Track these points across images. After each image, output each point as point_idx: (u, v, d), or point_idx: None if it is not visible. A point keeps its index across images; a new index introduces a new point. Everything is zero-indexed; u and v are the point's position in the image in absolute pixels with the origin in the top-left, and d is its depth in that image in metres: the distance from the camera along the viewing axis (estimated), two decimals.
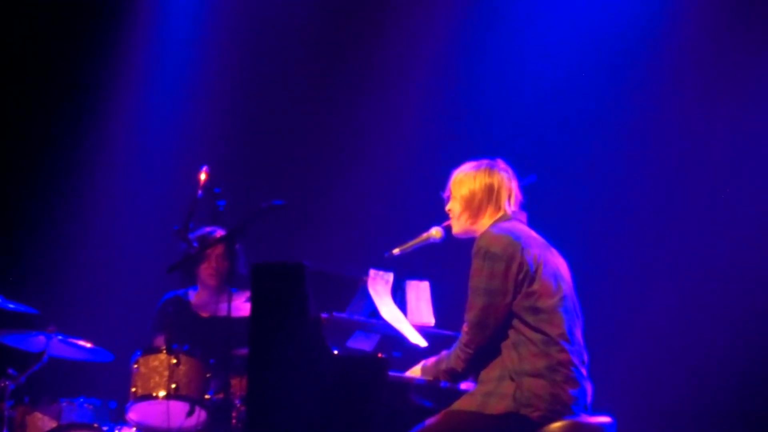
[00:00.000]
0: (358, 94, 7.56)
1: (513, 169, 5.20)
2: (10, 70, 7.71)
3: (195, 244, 6.33)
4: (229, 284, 5.93)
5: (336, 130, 7.56)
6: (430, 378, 5.08)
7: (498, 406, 4.77)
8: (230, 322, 5.91)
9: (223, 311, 5.89)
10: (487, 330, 4.83)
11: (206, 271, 6.63)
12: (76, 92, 7.74)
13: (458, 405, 4.88)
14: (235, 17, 7.86)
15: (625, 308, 6.73)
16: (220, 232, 6.46)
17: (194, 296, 6.70)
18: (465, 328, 4.87)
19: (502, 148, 6.60)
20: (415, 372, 5.12)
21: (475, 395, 4.86)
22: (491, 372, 4.85)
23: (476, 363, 4.93)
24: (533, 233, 5.04)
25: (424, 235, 5.32)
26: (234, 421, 6.02)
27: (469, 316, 4.86)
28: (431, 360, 5.09)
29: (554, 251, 5.06)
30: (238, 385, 6.10)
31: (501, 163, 5.20)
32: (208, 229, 6.50)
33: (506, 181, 5.12)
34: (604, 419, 4.91)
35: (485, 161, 5.18)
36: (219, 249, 6.52)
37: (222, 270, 6.56)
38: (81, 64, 7.73)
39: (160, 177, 7.56)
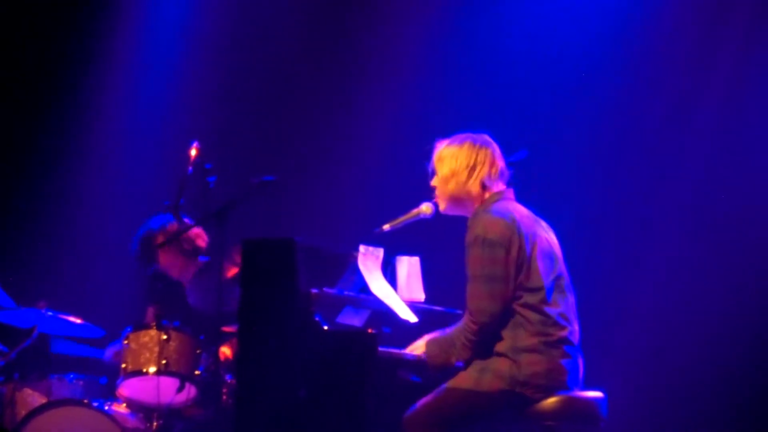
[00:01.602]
0: (349, 70, 7.56)
1: (498, 144, 5.12)
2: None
3: (185, 220, 6.30)
4: (222, 258, 5.89)
5: (327, 106, 7.56)
6: (438, 364, 5.04)
7: (493, 383, 4.80)
8: (220, 299, 5.81)
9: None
10: (494, 317, 4.82)
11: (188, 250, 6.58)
12: (64, 70, 7.73)
13: (453, 383, 4.90)
14: None
15: (618, 286, 6.74)
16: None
17: (172, 269, 6.65)
18: (470, 319, 4.84)
19: (493, 123, 6.65)
20: (418, 348, 5.13)
21: (469, 372, 4.89)
22: (488, 349, 4.86)
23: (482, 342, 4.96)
24: (524, 210, 5.03)
25: (414, 211, 5.32)
26: (224, 396, 6.03)
27: (474, 305, 4.83)
28: (434, 342, 5.07)
29: (544, 225, 5.10)
30: (227, 360, 6.16)
31: (485, 138, 5.16)
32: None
33: (490, 157, 5.07)
34: (597, 394, 4.97)
35: (468, 136, 5.14)
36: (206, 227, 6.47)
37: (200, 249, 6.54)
38: (69, 41, 7.72)
39: (151, 152, 7.55)
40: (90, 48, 7.81)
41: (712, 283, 6.71)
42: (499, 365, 4.81)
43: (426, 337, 5.14)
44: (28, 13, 7.76)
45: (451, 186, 5.05)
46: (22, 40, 7.75)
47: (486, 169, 5.04)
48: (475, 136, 5.14)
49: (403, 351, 5.15)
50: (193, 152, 6.25)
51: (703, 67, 6.94)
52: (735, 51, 6.91)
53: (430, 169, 5.18)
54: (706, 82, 6.93)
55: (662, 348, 6.64)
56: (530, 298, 4.85)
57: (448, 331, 5.03)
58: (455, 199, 5.06)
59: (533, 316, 4.84)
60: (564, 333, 4.87)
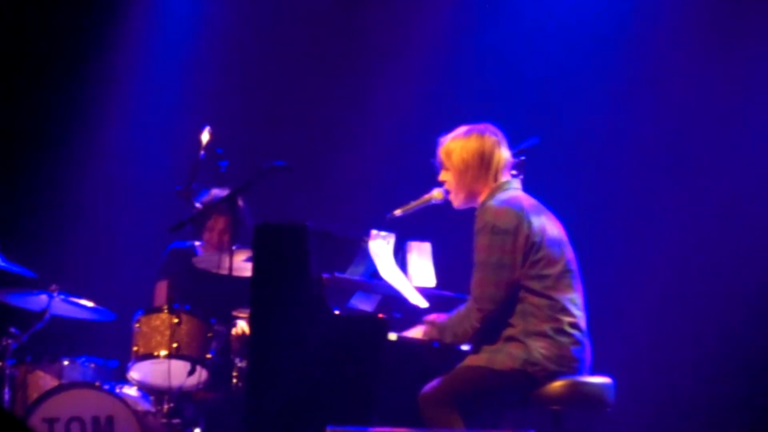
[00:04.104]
0: (361, 58, 7.53)
1: (503, 134, 5.15)
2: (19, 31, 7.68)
3: (198, 204, 6.34)
4: (231, 243, 6.00)
5: (340, 93, 7.52)
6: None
7: (505, 363, 4.87)
8: (232, 281, 5.91)
9: (225, 270, 5.90)
10: (498, 304, 4.89)
11: (209, 233, 6.63)
12: (77, 52, 7.70)
13: (468, 362, 4.98)
14: None
15: (627, 274, 6.74)
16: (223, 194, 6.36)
17: (199, 250, 6.70)
18: (475, 305, 4.91)
19: (501, 114, 6.60)
20: (417, 332, 5.16)
21: (482, 353, 4.96)
22: (499, 333, 4.94)
23: (484, 328, 4.99)
24: (531, 200, 5.07)
25: (426, 197, 5.32)
26: (235, 380, 6.09)
27: (479, 291, 4.90)
28: (435, 321, 5.12)
29: (550, 215, 5.10)
30: (239, 343, 6.19)
31: (490, 127, 5.17)
32: (214, 191, 6.46)
33: (497, 147, 5.09)
34: (604, 380, 5.03)
35: (474, 128, 5.15)
36: (221, 210, 6.49)
37: (224, 231, 6.55)
38: (86, 24, 7.72)
39: (163, 136, 7.54)
40: (107, 32, 7.79)
41: (721, 271, 6.69)
42: (512, 348, 4.88)
43: (426, 321, 5.15)
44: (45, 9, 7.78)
45: (466, 179, 5.09)
46: (42, 21, 7.71)
47: (497, 156, 5.07)
48: (479, 126, 5.16)
49: (414, 336, 5.16)
50: (205, 137, 6.27)
51: (714, 59, 6.90)
52: (742, 45, 6.87)
53: (437, 165, 5.16)
54: (715, 74, 6.89)
55: (671, 336, 6.63)
56: (539, 285, 4.91)
57: (449, 315, 5.09)
58: (470, 191, 5.10)
59: (543, 303, 4.90)
60: (573, 319, 4.93)
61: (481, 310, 4.88)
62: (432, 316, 5.19)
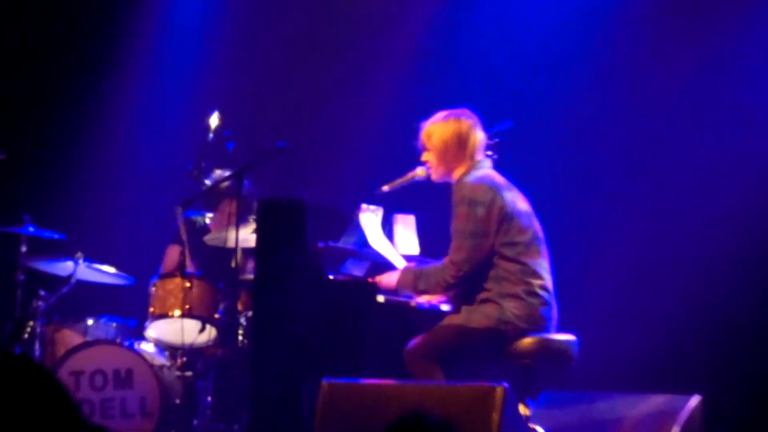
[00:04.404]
0: (351, 48, 7.38)
1: (479, 117, 5.22)
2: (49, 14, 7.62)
3: (207, 181, 6.37)
4: (238, 218, 5.94)
5: (332, 81, 7.40)
6: (406, 287, 5.11)
7: (481, 321, 4.96)
8: (238, 251, 5.92)
9: (232, 241, 5.92)
10: (473, 266, 4.98)
11: (219, 214, 6.55)
12: (101, 35, 7.62)
13: (447, 320, 5.07)
14: None
15: (589, 240, 6.67)
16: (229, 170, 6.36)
17: (210, 223, 6.66)
18: (452, 266, 4.98)
19: (482, 93, 6.64)
20: (390, 278, 5.18)
21: (460, 312, 5.06)
22: (475, 296, 5.03)
23: (462, 291, 5.09)
24: (501, 177, 5.16)
25: (410, 174, 5.36)
26: (240, 337, 6.17)
27: (457, 256, 4.98)
28: (407, 272, 5.14)
29: (518, 191, 5.19)
30: (244, 305, 6.20)
31: (466, 112, 5.22)
32: (219, 171, 6.42)
33: (472, 129, 5.15)
34: (569, 337, 5.12)
35: (451, 113, 5.21)
36: (229, 192, 6.37)
37: (231, 206, 6.32)
38: (106, 15, 7.65)
39: (178, 118, 7.47)
40: (124, 18, 7.68)
41: (676, 229, 6.64)
42: (487, 308, 4.99)
43: (400, 271, 5.18)
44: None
45: (447, 157, 5.14)
46: (70, 9, 7.65)
47: (473, 137, 5.15)
48: (456, 111, 5.22)
49: (390, 284, 5.18)
50: (214, 121, 6.36)
51: (698, 46, 6.72)
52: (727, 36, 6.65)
53: (419, 146, 5.23)
54: (700, 64, 6.68)
55: (632, 296, 6.57)
56: (512, 252, 5.01)
57: (425, 267, 5.14)
58: (448, 168, 5.16)
59: (515, 268, 5.00)
60: (542, 282, 5.03)
61: (459, 270, 4.98)
62: (409, 264, 5.25)
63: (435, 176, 5.23)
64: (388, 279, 5.18)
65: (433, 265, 5.12)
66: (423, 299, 5.25)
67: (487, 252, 4.99)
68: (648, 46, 6.85)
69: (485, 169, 5.15)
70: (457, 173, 5.14)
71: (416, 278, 5.10)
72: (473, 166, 5.13)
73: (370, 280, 5.32)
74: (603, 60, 6.90)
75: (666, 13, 6.82)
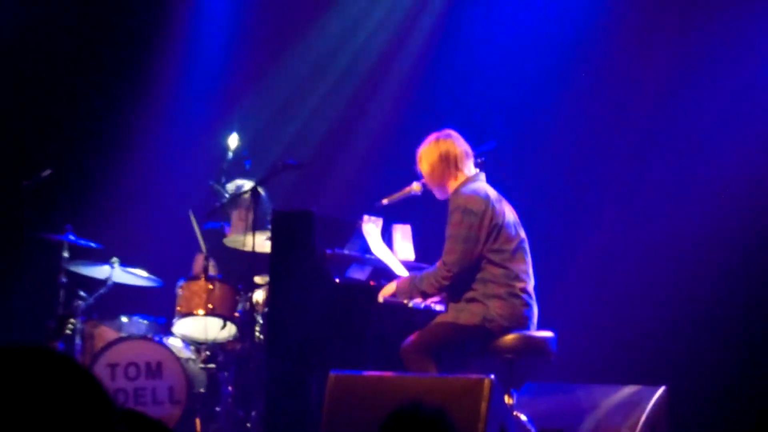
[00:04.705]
0: (354, 74, 7.36)
1: (462, 135, 5.23)
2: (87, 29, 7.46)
3: (226, 195, 6.39)
4: (254, 227, 5.99)
5: (337, 103, 7.39)
6: (404, 293, 5.17)
7: (468, 319, 5.05)
8: (254, 255, 5.94)
9: (249, 247, 5.94)
10: (463, 268, 5.05)
11: (239, 222, 6.49)
12: (129, 63, 7.48)
13: (438, 319, 5.16)
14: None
15: (567, 246, 6.66)
16: (248, 185, 6.33)
17: (228, 231, 6.62)
18: (444, 267, 5.03)
19: (472, 120, 6.52)
20: (390, 287, 5.24)
21: (450, 311, 5.16)
22: (464, 296, 5.12)
23: (452, 292, 5.14)
24: (493, 190, 5.22)
25: (407, 189, 5.42)
26: (257, 333, 6.15)
27: (449, 258, 5.03)
28: (405, 279, 5.22)
29: (507, 203, 5.25)
30: (260, 305, 6.17)
31: (445, 132, 5.25)
32: (239, 182, 6.43)
33: (451, 147, 5.17)
34: (548, 333, 5.20)
35: (432, 136, 5.25)
36: (246, 205, 6.30)
37: (248, 215, 6.30)
38: (145, 43, 7.57)
39: (201, 138, 7.41)
40: (160, 48, 7.58)
41: (643, 236, 6.56)
42: (474, 307, 5.07)
43: (396, 281, 5.21)
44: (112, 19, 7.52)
45: (436, 176, 5.21)
46: (105, 28, 7.52)
47: (452, 154, 5.17)
48: (438, 133, 5.26)
49: (391, 291, 5.22)
50: (233, 141, 6.35)
51: (686, 56, 6.60)
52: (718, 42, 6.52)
53: (419, 172, 5.30)
54: (688, 71, 6.57)
55: (606, 296, 6.58)
56: (498, 258, 5.09)
57: (419, 274, 5.17)
58: (441, 185, 5.23)
59: (500, 272, 5.08)
60: (523, 285, 5.11)
61: (450, 271, 5.04)
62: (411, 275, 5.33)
63: (437, 195, 5.28)
64: (389, 287, 5.24)
65: (426, 272, 5.16)
66: (418, 301, 5.28)
67: (476, 257, 5.06)
68: (631, 65, 6.78)
69: (480, 182, 5.21)
70: (451, 186, 5.19)
71: (413, 282, 5.17)
72: (469, 179, 5.18)
73: (371, 283, 5.36)
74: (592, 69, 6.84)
75: (648, 34, 6.73)
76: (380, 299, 5.23)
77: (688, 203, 6.48)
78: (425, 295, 5.20)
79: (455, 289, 5.12)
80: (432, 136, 5.28)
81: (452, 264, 5.03)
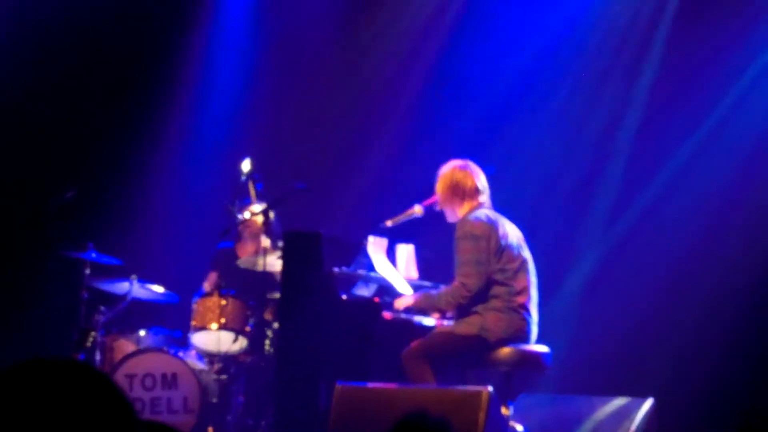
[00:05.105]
0: (361, 102, 7.45)
1: (479, 166, 5.44)
2: (114, 49, 7.51)
3: (239, 216, 6.49)
4: (265, 248, 6.10)
5: (344, 130, 7.49)
6: (420, 308, 5.32)
7: (466, 329, 5.22)
8: (265, 274, 6.11)
9: (260, 267, 6.13)
10: (478, 287, 5.22)
11: (251, 244, 6.61)
12: (161, 88, 7.54)
13: (439, 329, 5.36)
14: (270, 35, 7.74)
15: (567, 264, 6.80)
16: (259, 206, 6.43)
17: (240, 251, 6.72)
18: (464, 288, 5.19)
19: (478, 140, 6.66)
20: (407, 299, 5.40)
21: (451, 323, 5.33)
22: (467, 310, 5.27)
23: (459, 308, 5.28)
24: (497, 214, 5.41)
25: (409, 211, 5.58)
26: (267, 346, 6.29)
27: (470, 281, 5.20)
28: (422, 295, 5.37)
29: (511, 224, 5.44)
30: (271, 319, 6.29)
31: (461, 163, 5.44)
32: (251, 204, 6.48)
33: (468, 178, 5.38)
34: (543, 348, 5.34)
35: (449, 164, 5.45)
36: (258, 220, 6.46)
37: (259, 235, 6.46)
38: (168, 62, 7.65)
39: (217, 162, 7.48)
40: (177, 69, 7.64)
41: (632, 251, 6.65)
42: (472, 318, 5.24)
43: (415, 295, 5.39)
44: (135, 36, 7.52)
45: (446, 201, 5.41)
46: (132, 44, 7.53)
47: (462, 185, 5.39)
48: (457, 162, 5.45)
49: (402, 306, 5.39)
50: (246, 166, 6.45)
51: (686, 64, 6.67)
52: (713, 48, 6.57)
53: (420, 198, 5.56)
54: (688, 79, 6.65)
55: (600, 313, 6.67)
56: (502, 276, 5.29)
57: (435, 292, 5.36)
58: (450, 209, 5.43)
59: (502, 289, 5.27)
60: (523, 301, 5.28)
61: (470, 292, 5.20)
62: (421, 291, 5.51)
63: (447, 217, 5.44)
64: (406, 300, 5.42)
65: (444, 289, 5.32)
66: (436, 316, 5.44)
67: (487, 276, 5.24)
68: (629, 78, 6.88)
69: (485, 209, 5.39)
70: (460, 212, 5.38)
71: (430, 299, 5.34)
72: (475, 207, 5.36)
73: (376, 299, 5.49)
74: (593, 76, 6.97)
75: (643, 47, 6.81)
76: (397, 306, 5.37)
77: (675, 221, 6.56)
78: (441, 311, 5.39)
79: (463, 306, 5.27)
80: (452, 163, 5.46)
81: (473, 285, 5.21)
